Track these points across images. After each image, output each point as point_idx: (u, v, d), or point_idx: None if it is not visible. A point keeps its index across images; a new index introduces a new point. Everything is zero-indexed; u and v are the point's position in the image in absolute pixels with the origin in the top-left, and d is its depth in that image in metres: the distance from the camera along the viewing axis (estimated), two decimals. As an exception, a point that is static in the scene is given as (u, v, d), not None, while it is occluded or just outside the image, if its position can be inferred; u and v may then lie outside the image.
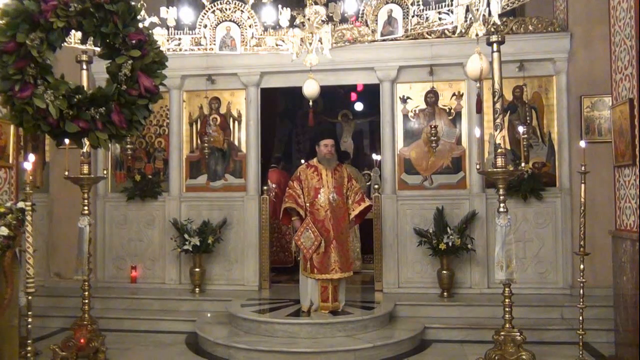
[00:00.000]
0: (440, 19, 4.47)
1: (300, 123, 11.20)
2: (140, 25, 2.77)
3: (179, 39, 5.11)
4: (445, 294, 6.21)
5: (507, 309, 4.39)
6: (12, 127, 4.89)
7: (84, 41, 2.92)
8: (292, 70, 6.43)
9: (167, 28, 5.09)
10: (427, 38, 6.46)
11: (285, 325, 5.21)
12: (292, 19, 5.02)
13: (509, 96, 6.42)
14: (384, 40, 4.96)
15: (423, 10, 4.54)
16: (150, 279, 7.00)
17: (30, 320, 3.74)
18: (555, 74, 6.42)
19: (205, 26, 5.08)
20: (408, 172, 6.68)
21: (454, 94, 6.64)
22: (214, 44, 5.09)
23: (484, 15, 4.12)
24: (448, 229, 6.18)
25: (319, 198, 5.41)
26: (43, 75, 2.54)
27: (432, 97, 6.66)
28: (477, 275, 6.40)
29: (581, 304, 4.33)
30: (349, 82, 7.26)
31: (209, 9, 5.06)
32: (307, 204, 5.44)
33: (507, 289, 4.38)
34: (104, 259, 7.09)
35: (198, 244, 6.52)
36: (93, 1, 2.58)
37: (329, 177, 5.48)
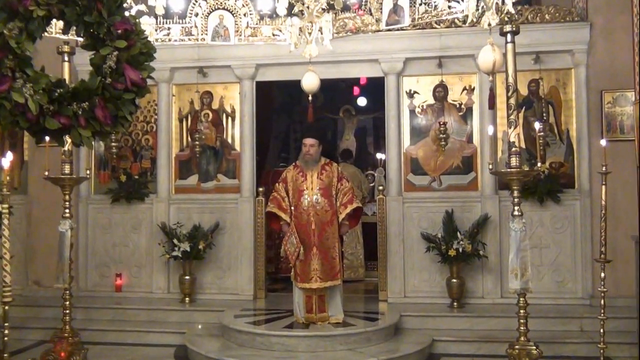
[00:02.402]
0: (449, 7, 4.47)
1: (299, 119, 11.20)
2: (127, 13, 2.77)
3: (168, 28, 5.11)
4: (455, 304, 6.21)
5: (522, 321, 4.39)
6: (-13, 124, 4.89)
7: (65, 31, 2.92)
8: (290, 62, 6.43)
9: (156, 17, 5.09)
10: (435, 28, 6.47)
11: (282, 338, 5.21)
12: (290, 7, 5.01)
13: (524, 91, 6.43)
14: (389, 30, 4.97)
15: (431, -3, 4.54)
16: (137, 287, 7.00)
17: (6, 332, 3.74)
18: (573, 66, 6.43)
19: (197, 15, 5.08)
20: (415, 172, 6.68)
21: (464, 88, 6.64)
22: (206, 34, 5.09)
23: (497, 3, 4.13)
24: (458, 233, 6.18)
25: (302, 201, 5.41)
26: (22, 67, 2.54)
27: (441, 91, 6.67)
28: (489, 284, 6.40)
29: (602, 315, 4.33)
30: (351, 75, 7.27)
31: (201, -4, 5.07)
32: (292, 207, 5.45)
33: (521, 299, 4.38)
34: (86, 265, 7.09)
35: (188, 249, 6.52)
36: (76, -12, 2.58)
37: (314, 177, 5.47)
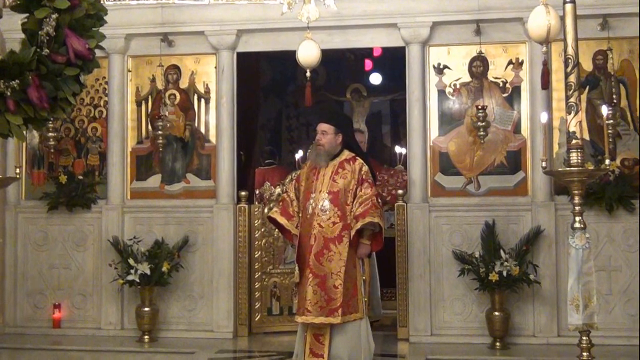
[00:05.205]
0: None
1: (293, 102, 11.21)
2: (69, -36, 2.78)
3: (123, -17, 5.13)
4: (497, 344, 6.22)
5: (585, 366, 4.40)
6: None
7: (-11, -13, 2.93)
8: (282, 28, 6.47)
9: (106, -32, 5.11)
10: (472, -17, 6.51)
11: (271, 388, 5.24)
12: (283, -45, 5.03)
13: (587, 65, 6.45)
14: (411, -15, 4.98)
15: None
16: (81, 322, 7.01)
17: None
18: (652, 34, 6.45)
19: (160, -35, 5.10)
20: (445, 171, 6.70)
21: (510, 62, 6.66)
22: (172, -9, 5.11)
23: (552, -49, 4.14)
24: (502, 252, 6.19)
25: (306, 206, 5.36)
26: None
27: (479, 65, 6.68)
28: (542, 319, 6.41)
29: (690, 358, 4.34)
30: (362, 45, 7.28)
31: (165, -59, 5.09)
32: (300, 214, 5.45)
33: (584, 338, 4.39)
34: (14, 293, 7.10)
35: (148, 272, 6.52)
36: None
37: (326, 177, 5.37)
